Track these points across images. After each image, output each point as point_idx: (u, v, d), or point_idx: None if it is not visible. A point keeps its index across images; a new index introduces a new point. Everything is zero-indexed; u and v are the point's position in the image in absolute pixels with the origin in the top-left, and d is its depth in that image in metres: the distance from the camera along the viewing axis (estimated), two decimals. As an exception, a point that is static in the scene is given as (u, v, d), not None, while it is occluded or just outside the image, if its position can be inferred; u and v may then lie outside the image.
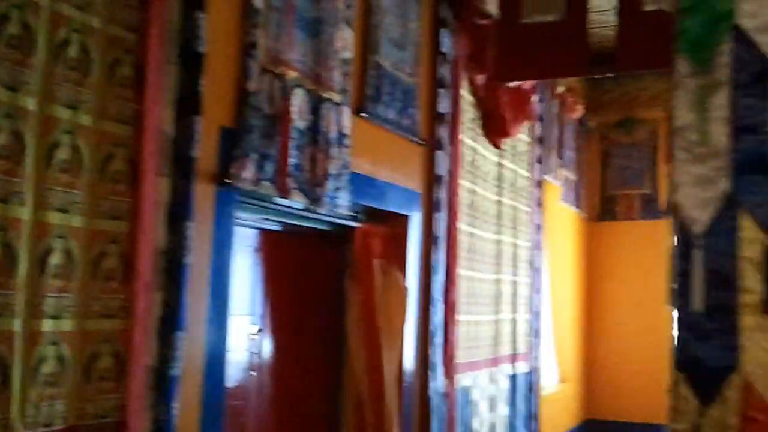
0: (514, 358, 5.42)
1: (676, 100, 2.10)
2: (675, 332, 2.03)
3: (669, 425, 2.02)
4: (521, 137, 5.63)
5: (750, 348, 1.96)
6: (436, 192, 4.22)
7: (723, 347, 1.98)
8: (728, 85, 2.06)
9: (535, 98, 5.56)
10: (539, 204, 5.97)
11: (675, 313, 2.03)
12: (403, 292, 3.88)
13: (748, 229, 1.99)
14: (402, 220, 3.98)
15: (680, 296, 2.02)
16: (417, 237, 4.08)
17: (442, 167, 4.25)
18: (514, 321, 5.46)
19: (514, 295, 5.48)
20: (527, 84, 5.24)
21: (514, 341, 5.44)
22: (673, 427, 2.02)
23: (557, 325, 6.72)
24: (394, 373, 3.79)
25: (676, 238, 2.05)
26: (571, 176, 7.09)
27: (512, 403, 5.39)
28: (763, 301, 1.97)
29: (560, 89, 6.44)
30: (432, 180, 4.22)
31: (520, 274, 5.60)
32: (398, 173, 3.92)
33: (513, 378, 5.42)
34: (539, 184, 5.98)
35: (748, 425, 1.94)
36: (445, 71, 4.30)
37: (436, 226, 4.20)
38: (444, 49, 4.30)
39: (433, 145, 4.22)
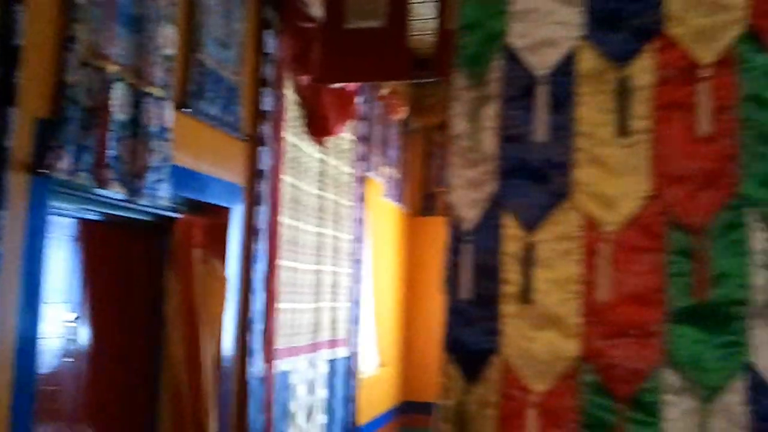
0: (333, 343, 5.62)
1: (453, 110, 2.26)
2: (445, 318, 2.21)
3: (438, 402, 2.18)
4: (345, 136, 5.83)
5: (509, 333, 2.14)
6: (258, 186, 4.33)
7: (486, 332, 2.15)
8: (498, 98, 2.23)
9: (358, 99, 5.77)
10: (362, 199, 6.19)
11: (446, 301, 2.22)
12: (222, 281, 3.98)
13: (510, 227, 2.18)
14: (223, 212, 4.07)
15: (451, 286, 2.21)
16: (238, 229, 4.19)
17: (264, 162, 4.36)
18: (334, 309, 5.66)
19: (335, 284, 5.68)
20: (351, 86, 5.38)
21: (334, 328, 5.64)
22: (442, 403, 2.18)
23: (379, 313, 6.92)
24: (213, 360, 3.89)
25: (449, 234, 2.23)
26: (395, 173, 7.35)
27: (331, 387, 5.59)
28: (522, 291, 2.15)
29: (384, 91, 6.61)
30: (254, 174, 4.33)
31: (341, 265, 5.82)
32: (221, 167, 4.01)
33: (332, 362, 5.63)
34: (362, 180, 6.20)
35: (506, 402, 2.12)
36: (268, 71, 4.41)
37: (258, 218, 4.32)
38: (268, 50, 4.41)
39: (256, 141, 4.33)
